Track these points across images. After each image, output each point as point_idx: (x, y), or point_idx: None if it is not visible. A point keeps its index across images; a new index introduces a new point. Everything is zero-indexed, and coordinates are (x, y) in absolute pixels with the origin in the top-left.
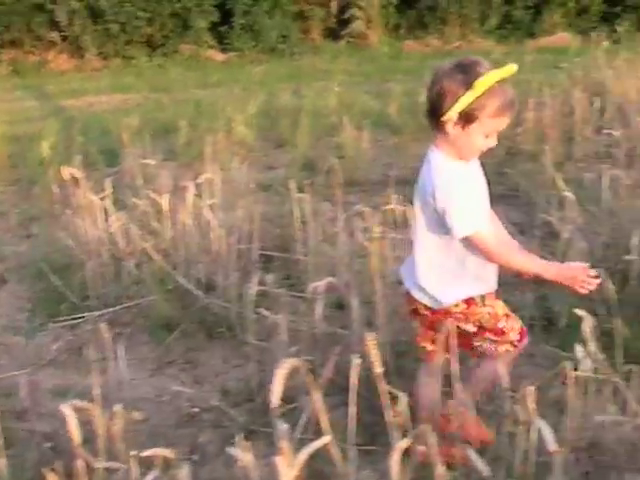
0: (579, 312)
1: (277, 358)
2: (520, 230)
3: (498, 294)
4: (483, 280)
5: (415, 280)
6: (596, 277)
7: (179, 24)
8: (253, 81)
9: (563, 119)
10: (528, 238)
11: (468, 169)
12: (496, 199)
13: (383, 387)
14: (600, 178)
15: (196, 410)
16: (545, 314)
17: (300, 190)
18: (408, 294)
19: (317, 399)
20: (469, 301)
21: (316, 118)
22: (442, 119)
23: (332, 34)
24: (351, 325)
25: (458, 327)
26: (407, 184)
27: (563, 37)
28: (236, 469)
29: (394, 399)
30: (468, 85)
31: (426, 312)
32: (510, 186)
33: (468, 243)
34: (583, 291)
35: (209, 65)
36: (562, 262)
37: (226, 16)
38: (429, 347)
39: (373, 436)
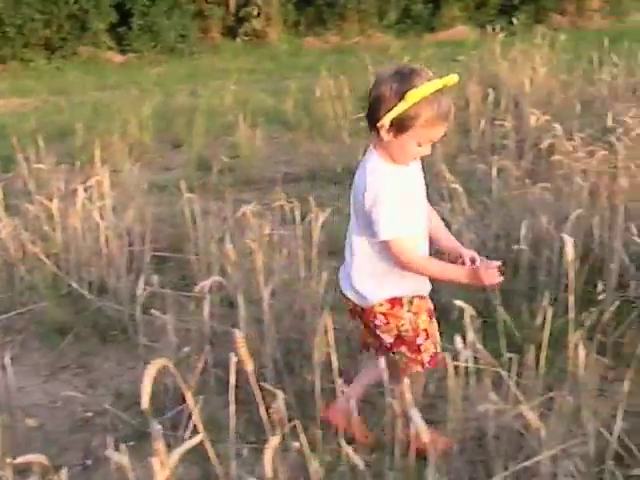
0: (459, 303)
1: (167, 358)
2: None
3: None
4: (410, 280)
5: (348, 279)
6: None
7: (77, 26)
8: (152, 82)
9: (458, 112)
10: None
11: (404, 173)
12: None
13: (255, 384)
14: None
15: (90, 414)
16: (438, 306)
17: (192, 190)
18: (344, 295)
19: (188, 398)
20: (394, 301)
21: (212, 117)
22: (378, 124)
23: (231, 33)
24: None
25: (377, 337)
26: (301, 181)
27: (462, 30)
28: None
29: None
30: (401, 95)
31: (359, 311)
32: None
33: (385, 247)
34: (492, 284)
35: (108, 67)
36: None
37: (124, 17)
38: (373, 343)
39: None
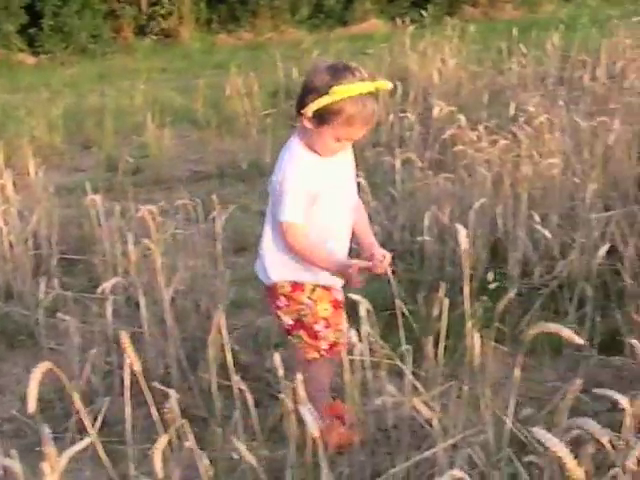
0: (354, 297)
1: (72, 361)
2: None
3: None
4: (312, 269)
5: (259, 259)
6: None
7: None
8: (63, 83)
9: None
10: None
11: (323, 164)
12: None
13: (144, 384)
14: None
15: None
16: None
17: (100, 191)
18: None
19: (76, 400)
20: (295, 285)
21: (122, 117)
22: (302, 110)
23: (144, 32)
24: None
25: (278, 317)
26: (210, 179)
27: (375, 24)
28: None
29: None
30: (328, 88)
31: (265, 292)
32: None
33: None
34: (355, 285)
35: (20, 69)
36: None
37: (35, 18)
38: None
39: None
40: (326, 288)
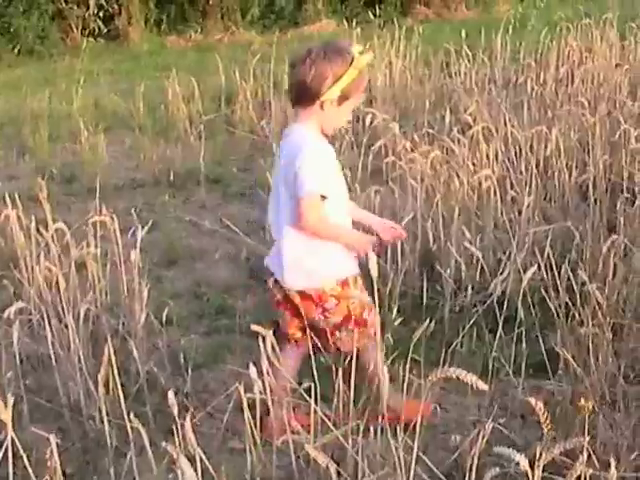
0: (255, 328)
1: None
2: (260, 227)
3: None
4: (352, 259)
5: (285, 265)
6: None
7: None
8: (9, 86)
9: None
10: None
11: (330, 148)
12: (235, 197)
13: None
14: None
15: None
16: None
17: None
18: (276, 283)
19: None
20: (343, 283)
21: (61, 122)
22: (322, 99)
23: (93, 33)
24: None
25: (324, 319)
26: (145, 187)
27: (327, 24)
28: None
29: None
30: (349, 63)
31: (295, 298)
32: (251, 183)
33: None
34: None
35: None
36: None
37: None
38: (298, 334)
39: None
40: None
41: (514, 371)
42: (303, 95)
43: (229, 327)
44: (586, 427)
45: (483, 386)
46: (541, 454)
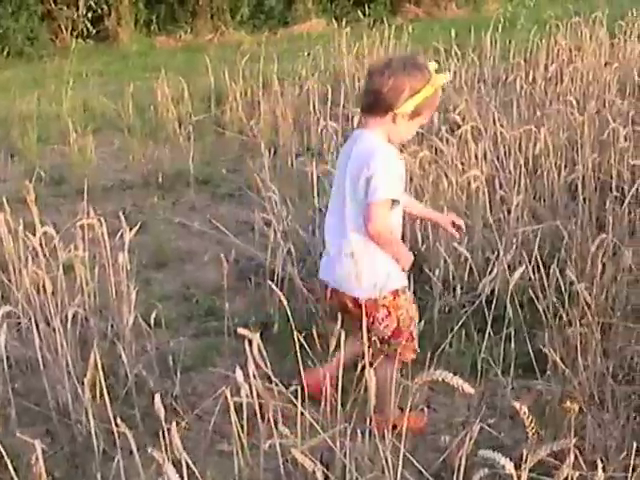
0: (241, 331)
1: None
2: (249, 228)
3: None
4: (400, 271)
5: (335, 273)
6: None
7: None
8: None
9: (301, 107)
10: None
11: (399, 155)
12: (224, 198)
13: None
14: None
15: None
16: (263, 319)
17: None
18: (333, 291)
19: None
20: (394, 293)
21: (50, 124)
22: (396, 111)
23: (82, 34)
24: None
25: (375, 329)
26: (134, 189)
27: (317, 24)
28: None
29: None
30: (427, 81)
31: (348, 304)
32: (240, 184)
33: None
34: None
35: None
36: None
37: None
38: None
39: None
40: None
41: (503, 371)
42: (377, 105)
43: (218, 329)
44: (572, 428)
45: (469, 389)
46: (527, 456)
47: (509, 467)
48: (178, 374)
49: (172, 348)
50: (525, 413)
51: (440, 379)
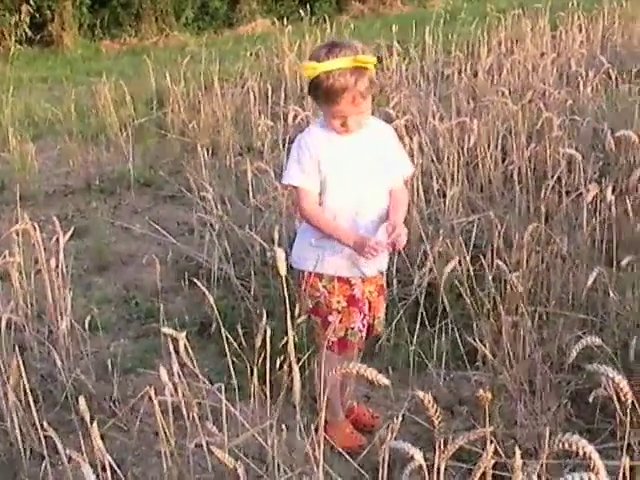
0: (166, 330)
1: None
2: (189, 230)
3: None
4: (334, 262)
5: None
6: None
7: None
8: None
9: (243, 107)
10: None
11: (336, 139)
12: (165, 200)
13: None
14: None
15: None
16: (202, 319)
17: None
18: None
19: None
20: (309, 274)
21: None
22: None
23: (26, 40)
24: None
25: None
26: (77, 193)
27: (261, 24)
28: None
29: None
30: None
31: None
32: (181, 186)
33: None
34: (367, 257)
35: None
36: None
37: None
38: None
39: None
40: (345, 282)
41: (437, 364)
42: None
43: (158, 330)
44: (496, 417)
45: (384, 381)
46: (444, 447)
47: (418, 457)
48: (115, 377)
49: (111, 351)
50: (429, 402)
51: (354, 372)
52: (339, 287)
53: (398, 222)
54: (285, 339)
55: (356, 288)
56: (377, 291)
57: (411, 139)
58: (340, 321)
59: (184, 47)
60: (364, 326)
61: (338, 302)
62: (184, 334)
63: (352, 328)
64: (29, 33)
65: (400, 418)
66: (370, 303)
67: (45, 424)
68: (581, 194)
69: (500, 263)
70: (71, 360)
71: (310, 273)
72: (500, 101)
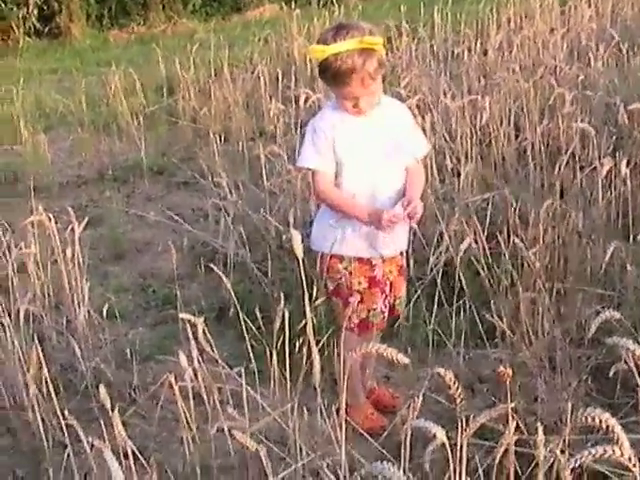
0: (184, 316)
1: None
2: (204, 215)
3: None
4: (354, 243)
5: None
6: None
7: None
8: None
9: (253, 92)
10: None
11: (351, 120)
12: (179, 187)
13: None
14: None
15: None
16: (220, 304)
17: None
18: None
19: None
20: (334, 255)
21: (2, 125)
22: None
23: (35, 32)
24: None
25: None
26: (90, 183)
27: (269, 8)
28: None
29: None
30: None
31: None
32: (195, 172)
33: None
34: (384, 230)
35: None
36: None
37: None
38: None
39: None
40: (366, 263)
41: (455, 343)
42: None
43: (176, 317)
44: (516, 394)
45: (404, 360)
46: (466, 425)
47: (440, 435)
48: (135, 364)
49: (130, 339)
50: (451, 379)
51: (374, 351)
52: (360, 268)
53: (415, 197)
54: (304, 321)
55: (377, 269)
56: (397, 271)
57: (423, 118)
58: (362, 302)
59: (192, 34)
60: (386, 307)
61: (359, 283)
62: (202, 319)
63: (374, 309)
64: (37, 25)
65: (421, 397)
66: (391, 283)
67: (66, 413)
68: (595, 169)
69: (517, 240)
70: (90, 349)
71: (330, 255)
72: (511, 78)
